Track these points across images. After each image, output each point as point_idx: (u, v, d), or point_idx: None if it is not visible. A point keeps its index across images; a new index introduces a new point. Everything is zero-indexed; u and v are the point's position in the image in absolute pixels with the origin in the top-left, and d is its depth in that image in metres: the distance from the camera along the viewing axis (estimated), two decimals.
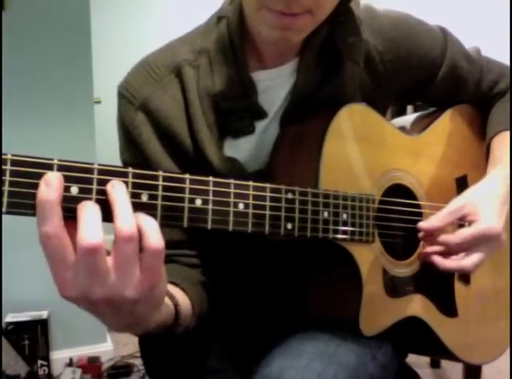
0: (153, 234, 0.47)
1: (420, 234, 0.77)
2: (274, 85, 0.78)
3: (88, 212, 0.46)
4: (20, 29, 1.85)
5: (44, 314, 1.97)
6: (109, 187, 0.49)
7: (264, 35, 0.69)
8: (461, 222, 0.79)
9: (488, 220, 0.75)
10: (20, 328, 1.91)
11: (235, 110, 0.76)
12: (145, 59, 0.80)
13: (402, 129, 0.88)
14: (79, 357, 2.06)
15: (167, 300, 0.60)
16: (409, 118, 0.98)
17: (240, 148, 0.79)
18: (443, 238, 0.76)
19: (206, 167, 0.75)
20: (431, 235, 0.77)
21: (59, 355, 2.05)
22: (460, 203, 0.78)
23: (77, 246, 0.45)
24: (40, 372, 1.96)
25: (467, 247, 0.75)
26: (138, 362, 2.09)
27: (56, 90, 1.93)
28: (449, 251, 0.76)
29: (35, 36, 1.88)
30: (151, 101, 0.75)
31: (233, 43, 0.75)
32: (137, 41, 3.45)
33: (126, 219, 0.47)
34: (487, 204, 0.77)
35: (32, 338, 1.93)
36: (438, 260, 0.76)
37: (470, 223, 0.76)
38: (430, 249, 0.77)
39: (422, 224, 0.77)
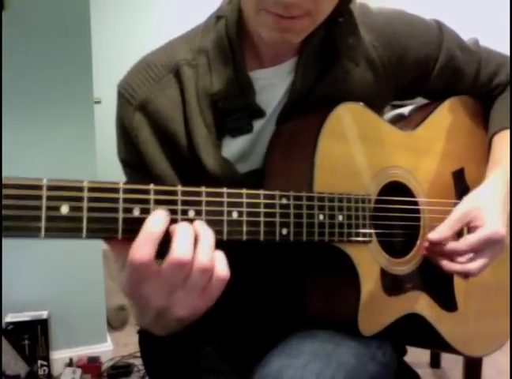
0: (222, 264, 0.54)
1: (426, 244, 0.77)
2: (272, 84, 0.78)
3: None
4: (20, 29, 1.85)
5: (44, 314, 1.98)
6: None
7: (263, 36, 0.69)
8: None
9: (493, 225, 0.75)
10: (20, 328, 1.92)
11: (233, 109, 0.76)
12: (144, 59, 0.80)
13: (400, 116, 0.87)
14: (79, 357, 2.07)
15: None
16: (405, 109, 0.98)
17: (238, 147, 0.79)
18: (451, 245, 0.75)
19: (201, 168, 0.76)
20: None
21: (59, 355, 2.05)
22: (465, 209, 0.77)
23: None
24: (40, 372, 1.96)
25: (474, 252, 0.75)
26: (138, 362, 2.10)
27: (56, 90, 1.93)
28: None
29: (35, 36, 1.88)
30: (149, 102, 0.75)
31: (231, 43, 0.75)
32: (137, 41, 3.45)
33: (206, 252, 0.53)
34: (490, 208, 0.77)
35: (32, 338, 1.93)
36: (444, 263, 0.76)
37: (474, 227, 0.76)
38: (432, 247, 0.77)
39: (432, 236, 0.76)
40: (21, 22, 1.85)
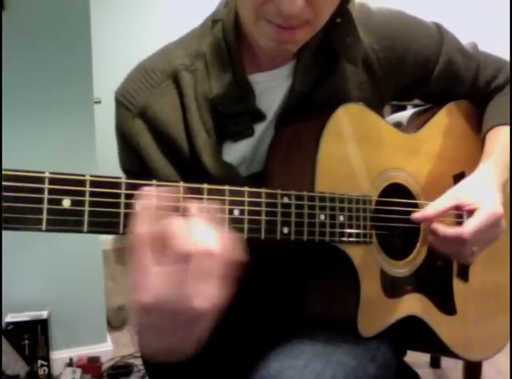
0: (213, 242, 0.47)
1: (416, 219, 0.77)
2: (271, 87, 0.78)
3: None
4: (20, 29, 1.85)
5: (44, 314, 1.98)
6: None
7: (262, 45, 0.69)
8: (459, 212, 0.78)
9: (490, 205, 0.75)
10: (20, 328, 1.92)
11: (234, 113, 0.76)
12: (142, 64, 0.79)
13: (398, 124, 0.88)
14: (79, 357, 2.06)
15: None
16: (407, 113, 0.98)
17: (240, 152, 0.79)
18: (456, 230, 0.74)
19: (203, 173, 0.75)
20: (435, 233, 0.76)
21: (59, 355, 2.05)
22: (454, 193, 0.78)
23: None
24: (40, 372, 1.96)
25: (481, 236, 0.73)
26: (138, 362, 2.09)
27: (56, 90, 1.93)
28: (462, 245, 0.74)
29: (35, 36, 1.88)
30: (148, 108, 0.75)
31: (229, 47, 0.75)
32: (137, 41, 3.45)
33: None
34: (483, 191, 0.77)
35: (32, 338, 1.93)
36: (440, 228, 0.75)
37: (469, 212, 0.75)
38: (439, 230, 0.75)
39: (415, 215, 0.77)
40: (21, 22, 1.85)
